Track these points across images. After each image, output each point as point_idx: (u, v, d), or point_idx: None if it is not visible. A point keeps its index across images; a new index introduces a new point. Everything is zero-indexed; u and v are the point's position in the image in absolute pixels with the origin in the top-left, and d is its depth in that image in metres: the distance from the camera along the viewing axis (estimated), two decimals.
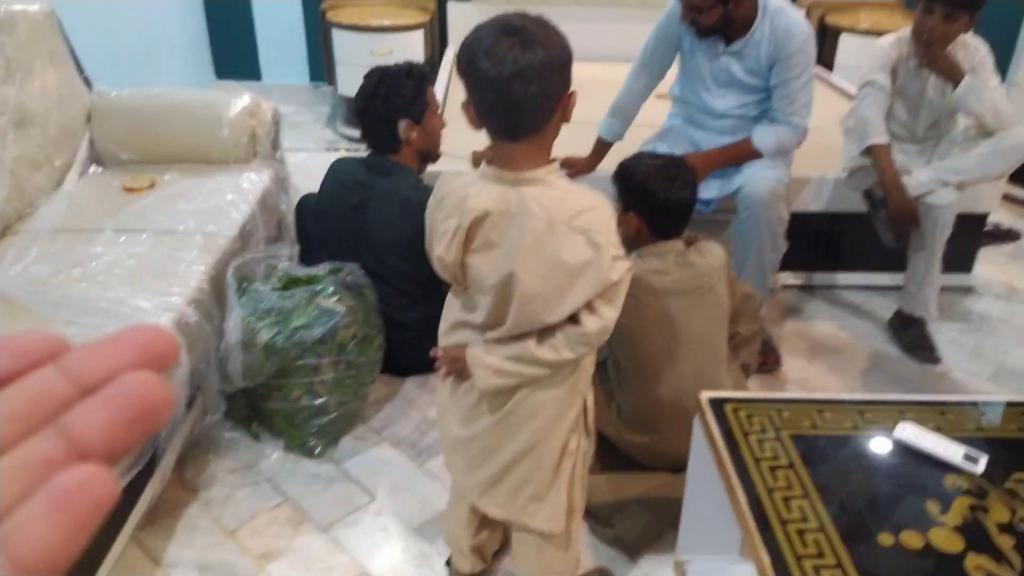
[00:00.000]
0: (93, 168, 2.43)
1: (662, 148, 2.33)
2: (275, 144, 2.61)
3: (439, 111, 2.22)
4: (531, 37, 1.22)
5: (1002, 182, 2.61)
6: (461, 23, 3.94)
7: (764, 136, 2.28)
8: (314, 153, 3.73)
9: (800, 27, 2.18)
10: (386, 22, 3.71)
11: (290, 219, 2.48)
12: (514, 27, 1.22)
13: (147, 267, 1.90)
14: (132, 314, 1.70)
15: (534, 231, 1.26)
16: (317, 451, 1.88)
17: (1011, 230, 3.17)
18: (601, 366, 1.89)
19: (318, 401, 1.83)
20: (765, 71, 2.23)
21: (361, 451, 1.93)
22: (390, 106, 2.09)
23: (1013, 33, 4.29)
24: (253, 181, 2.42)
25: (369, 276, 2.00)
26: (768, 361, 2.31)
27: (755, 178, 2.24)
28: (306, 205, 2.34)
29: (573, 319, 1.29)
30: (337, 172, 2.23)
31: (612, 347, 1.82)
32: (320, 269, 1.97)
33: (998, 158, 2.39)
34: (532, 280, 1.27)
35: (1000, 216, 3.20)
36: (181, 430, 1.73)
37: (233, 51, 4.25)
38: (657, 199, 1.77)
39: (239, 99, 2.54)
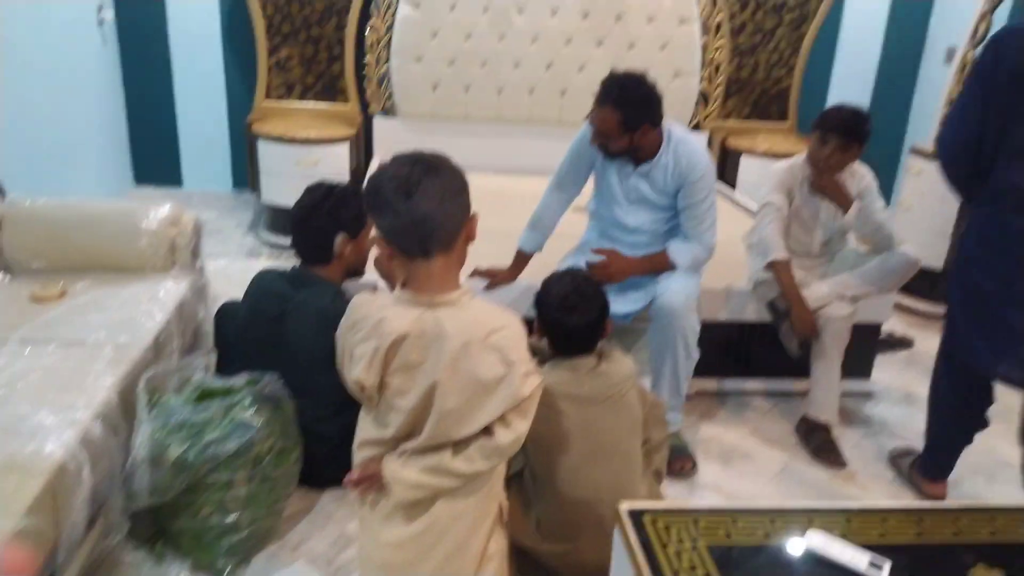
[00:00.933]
0: (1, 276, 2.35)
1: (580, 262, 2.43)
2: (195, 253, 2.60)
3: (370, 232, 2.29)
4: (433, 164, 1.35)
5: (894, 293, 2.81)
6: (387, 137, 4.08)
7: (679, 251, 2.41)
8: (235, 260, 3.71)
9: (701, 156, 2.35)
10: (312, 134, 3.80)
11: (208, 328, 2.44)
12: (416, 158, 1.36)
13: (53, 380, 1.82)
14: (33, 431, 1.62)
15: (451, 351, 1.31)
16: (226, 572, 1.78)
17: (904, 338, 3.38)
18: (517, 476, 1.89)
19: (229, 519, 1.75)
20: (672, 193, 2.39)
21: (274, 570, 1.84)
22: (333, 219, 2.16)
23: (895, 159, 4.72)
24: (170, 290, 2.38)
25: (288, 387, 1.98)
26: (684, 467, 2.35)
27: (669, 290, 2.35)
28: (226, 313, 2.31)
29: (487, 430, 1.33)
30: (259, 283, 2.24)
31: (528, 456, 1.84)
32: (237, 380, 1.93)
33: (887, 275, 2.59)
34: (450, 396, 1.31)
35: (894, 324, 3.43)
36: (80, 553, 1.62)
37: (154, 156, 4.25)
38: (559, 328, 1.84)
39: (159, 209, 2.53)
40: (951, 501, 2.30)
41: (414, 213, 1.32)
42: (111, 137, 3.99)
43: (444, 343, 1.32)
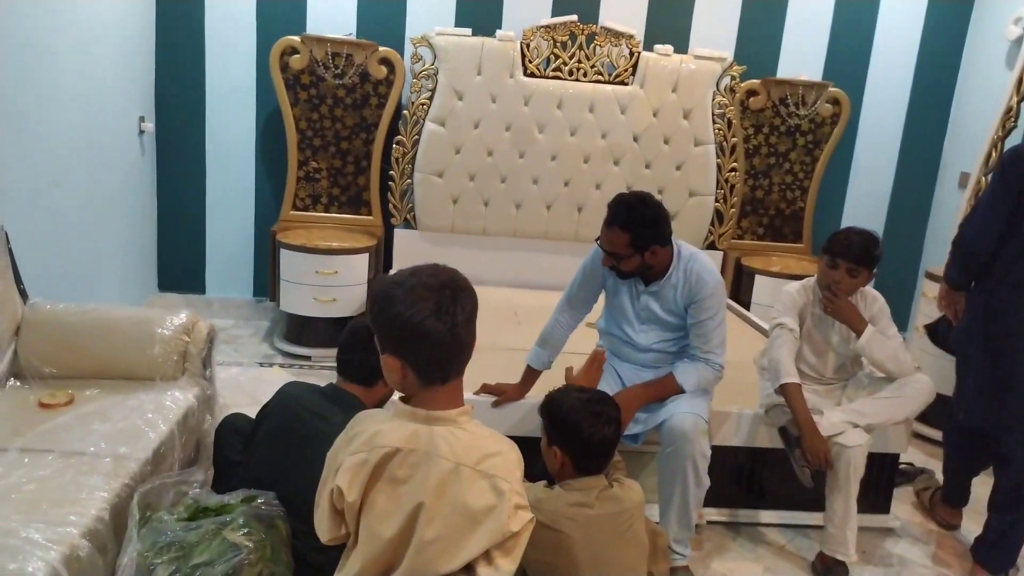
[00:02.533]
0: (11, 382, 2.38)
1: None
2: (206, 362, 2.62)
3: None
4: (461, 284, 1.32)
5: (911, 422, 2.73)
6: (406, 248, 4.17)
7: (686, 373, 2.39)
8: (247, 368, 3.73)
9: (711, 273, 2.37)
10: (334, 244, 3.89)
11: (210, 440, 2.42)
12: (439, 282, 1.30)
13: (47, 492, 1.81)
14: (20, 546, 1.59)
15: (440, 471, 1.27)
16: None
17: (924, 469, 3.27)
18: None
19: None
20: (682, 311, 2.39)
21: None
22: None
23: (911, 283, 4.71)
24: (177, 399, 2.39)
25: (290, 511, 1.91)
26: None
27: (678, 412, 2.31)
28: (231, 427, 2.28)
29: (468, 569, 1.27)
30: (288, 396, 2.12)
31: None
32: (233, 497, 1.90)
33: (902, 403, 2.54)
34: (434, 523, 1.26)
35: (912, 455, 3.31)
36: None
37: (180, 264, 4.37)
38: (582, 435, 1.80)
39: (175, 316, 2.58)
40: None
41: (456, 346, 1.28)
42: (140, 244, 4.12)
43: (434, 463, 1.27)
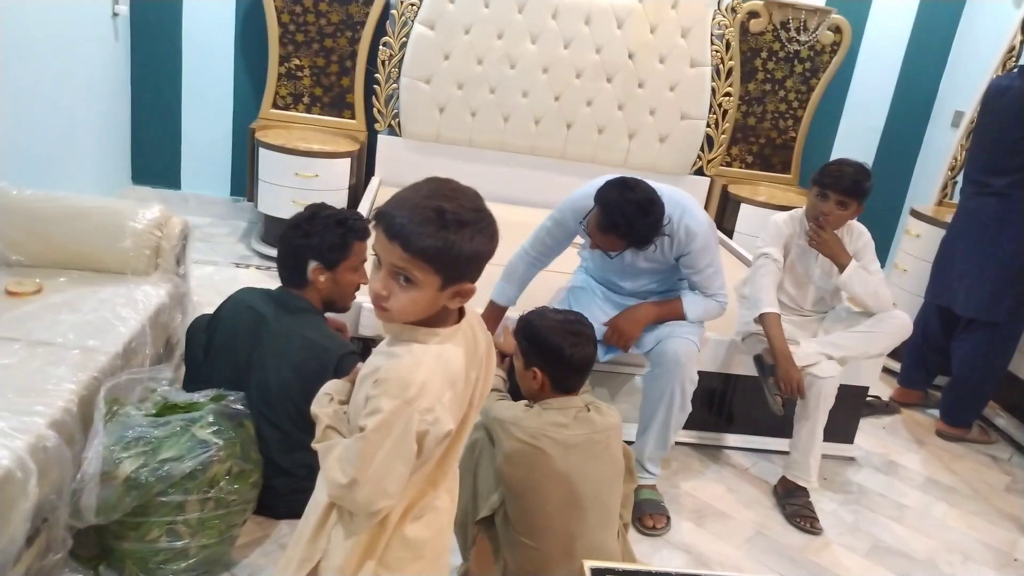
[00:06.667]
0: None
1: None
2: (179, 259, 2.55)
3: (362, 266, 2.16)
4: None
5: (882, 357, 2.77)
6: (389, 156, 4.06)
7: (694, 304, 2.38)
8: (222, 267, 3.67)
9: (699, 224, 2.27)
10: (315, 147, 3.78)
11: (180, 338, 2.38)
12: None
13: (13, 381, 1.77)
14: None
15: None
16: None
17: (890, 403, 3.34)
18: (490, 519, 1.83)
19: (179, 543, 1.69)
20: (671, 260, 2.34)
21: None
22: (306, 244, 2.08)
23: (895, 220, 4.70)
24: (148, 295, 2.34)
25: (254, 415, 1.92)
26: (657, 524, 2.29)
27: (675, 336, 2.31)
28: (199, 327, 2.25)
29: None
30: (239, 301, 2.16)
31: (505, 500, 1.78)
32: (202, 396, 1.88)
33: (878, 338, 2.55)
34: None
35: (881, 390, 3.38)
36: (16, 570, 1.56)
37: (154, 156, 4.23)
38: (563, 355, 1.80)
39: (147, 210, 2.49)
40: None
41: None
42: (113, 132, 3.97)
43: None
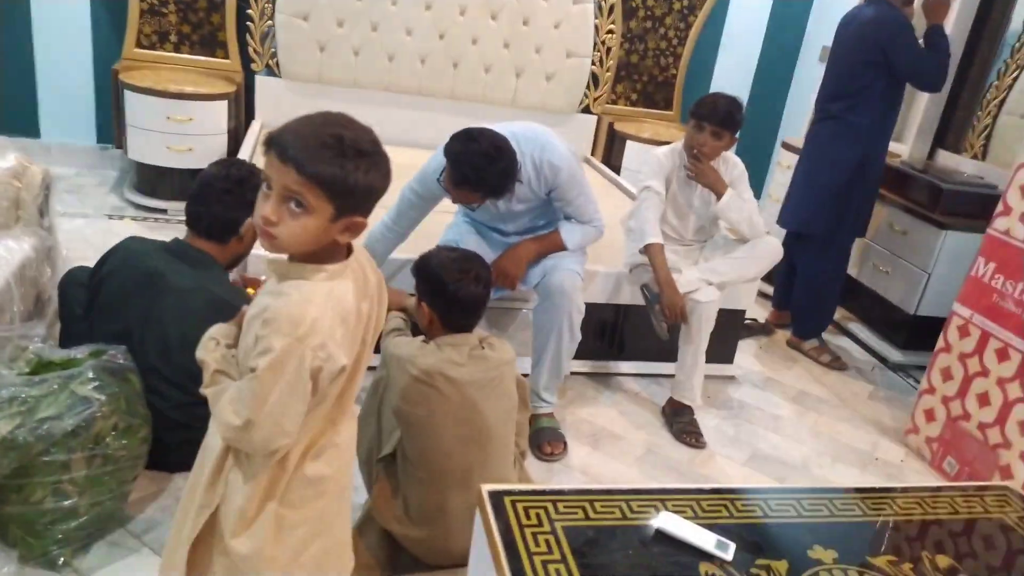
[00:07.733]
0: None
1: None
2: (43, 210, 2.39)
3: None
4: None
5: (757, 282, 2.94)
6: (270, 98, 3.89)
7: (571, 232, 2.43)
8: (93, 220, 3.46)
9: (560, 156, 2.28)
10: (187, 89, 3.57)
11: (52, 294, 2.25)
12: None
13: None
14: None
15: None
16: (60, 562, 1.65)
17: (766, 324, 3.57)
18: (388, 458, 1.86)
19: (67, 503, 1.63)
20: (543, 196, 2.37)
21: (116, 559, 1.72)
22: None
23: (768, 152, 4.94)
24: (11, 249, 2.18)
25: (148, 371, 1.85)
26: (555, 451, 2.39)
27: (558, 269, 2.36)
28: (75, 281, 2.13)
29: None
30: (129, 254, 2.02)
31: (402, 437, 1.81)
32: (79, 351, 1.79)
33: (752, 263, 2.70)
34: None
35: (756, 312, 3.60)
36: None
37: (8, 102, 3.88)
38: (448, 291, 1.81)
39: (2, 159, 2.31)
40: (794, 485, 2.45)
41: None
42: None
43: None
